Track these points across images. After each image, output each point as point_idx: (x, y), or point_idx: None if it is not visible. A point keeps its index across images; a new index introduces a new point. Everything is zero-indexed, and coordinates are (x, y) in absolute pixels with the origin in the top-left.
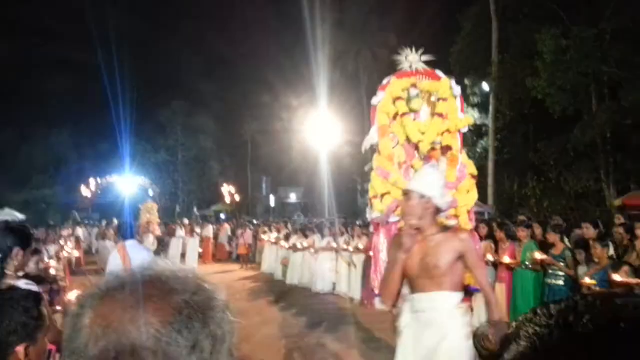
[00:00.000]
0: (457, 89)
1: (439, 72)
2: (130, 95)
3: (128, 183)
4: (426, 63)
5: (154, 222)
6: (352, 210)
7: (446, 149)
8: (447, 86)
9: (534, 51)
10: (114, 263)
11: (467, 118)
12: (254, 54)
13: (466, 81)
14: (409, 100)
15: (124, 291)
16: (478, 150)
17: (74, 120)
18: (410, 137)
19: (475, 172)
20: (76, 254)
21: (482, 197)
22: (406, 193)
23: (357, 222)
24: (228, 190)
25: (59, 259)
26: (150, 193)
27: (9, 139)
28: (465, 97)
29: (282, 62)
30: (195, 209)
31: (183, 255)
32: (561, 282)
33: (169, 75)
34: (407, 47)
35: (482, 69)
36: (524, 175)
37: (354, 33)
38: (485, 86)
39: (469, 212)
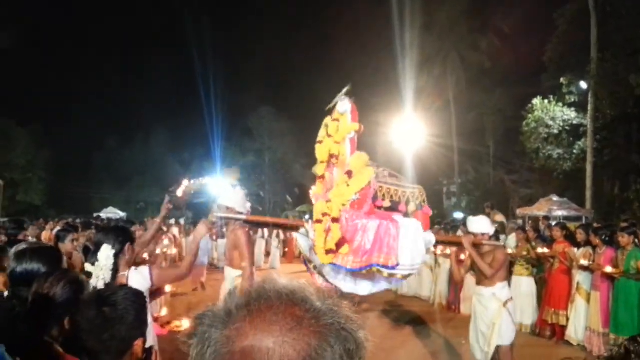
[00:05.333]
0: (346, 106)
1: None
2: (222, 102)
3: (219, 184)
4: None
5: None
6: (438, 211)
7: (335, 157)
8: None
9: (639, 47)
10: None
11: (354, 124)
12: (339, 58)
13: (562, 80)
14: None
15: (271, 310)
16: (575, 151)
17: (171, 126)
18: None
19: (355, 168)
20: (173, 251)
21: (580, 201)
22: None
23: (442, 224)
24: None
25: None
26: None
27: (113, 143)
28: (560, 96)
29: (368, 65)
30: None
31: (267, 254)
32: None
33: (257, 80)
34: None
35: (579, 67)
36: (625, 177)
37: (442, 36)
38: (583, 85)
39: (344, 204)
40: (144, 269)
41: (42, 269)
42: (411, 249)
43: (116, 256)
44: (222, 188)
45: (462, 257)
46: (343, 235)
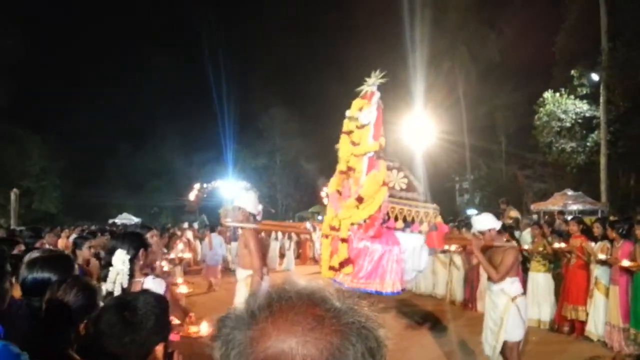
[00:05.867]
0: (371, 117)
1: (375, 97)
2: (233, 105)
3: (230, 187)
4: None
5: None
6: (450, 209)
7: (352, 170)
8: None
9: None
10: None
11: (374, 144)
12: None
13: (573, 72)
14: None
15: (292, 311)
16: (588, 144)
17: (183, 131)
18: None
19: (367, 194)
20: (188, 255)
21: (595, 195)
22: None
23: (456, 222)
24: (325, 192)
25: (173, 260)
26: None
27: (125, 149)
28: (571, 88)
29: (378, 63)
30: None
31: (282, 256)
32: None
33: (267, 82)
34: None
35: (590, 58)
36: None
37: (451, 31)
38: (595, 76)
39: (353, 224)
40: (162, 282)
41: (53, 278)
42: (412, 263)
43: (131, 261)
44: (236, 190)
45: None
46: (349, 256)
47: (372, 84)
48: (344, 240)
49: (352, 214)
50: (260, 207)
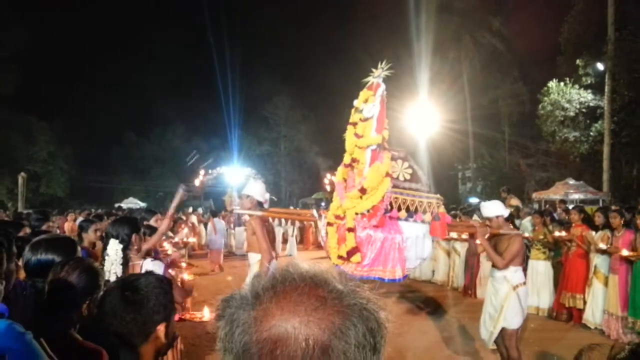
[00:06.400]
0: (374, 110)
1: (380, 90)
2: (239, 93)
3: (235, 174)
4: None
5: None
6: (453, 197)
7: (356, 161)
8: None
9: None
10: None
11: (377, 137)
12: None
13: (578, 61)
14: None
15: (296, 292)
16: (592, 133)
17: (188, 118)
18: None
19: (370, 186)
20: (192, 239)
21: (597, 184)
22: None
23: (458, 209)
24: (328, 179)
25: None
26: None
27: (132, 135)
28: (576, 78)
29: (383, 51)
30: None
31: (285, 241)
32: None
33: (272, 70)
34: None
35: (596, 47)
36: None
37: (456, 19)
38: (600, 66)
39: (357, 214)
40: (160, 265)
41: (56, 259)
42: (415, 251)
43: (125, 248)
44: (241, 177)
45: (478, 242)
46: (357, 245)
47: (377, 75)
48: (350, 229)
49: (356, 204)
50: (267, 195)
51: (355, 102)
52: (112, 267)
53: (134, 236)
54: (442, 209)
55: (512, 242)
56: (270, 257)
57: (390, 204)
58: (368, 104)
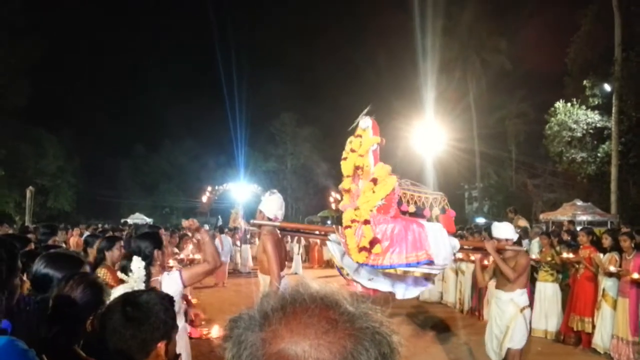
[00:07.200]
0: (368, 122)
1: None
2: (246, 110)
3: (242, 190)
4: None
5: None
6: (460, 216)
7: (360, 168)
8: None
9: None
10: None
11: (376, 137)
12: (361, 65)
13: (585, 82)
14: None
15: (306, 313)
16: (599, 154)
17: (195, 134)
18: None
19: (380, 175)
20: (198, 256)
21: (605, 205)
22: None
23: (465, 229)
24: (334, 197)
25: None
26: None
27: (139, 151)
28: (583, 98)
29: (390, 71)
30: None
31: (290, 260)
32: None
33: (280, 87)
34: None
35: (603, 68)
36: None
37: (463, 39)
38: (607, 87)
39: (372, 209)
40: (175, 273)
41: (61, 275)
42: (440, 249)
43: (148, 265)
44: (248, 193)
45: (486, 262)
46: (374, 236)
47: (362, 123)
48: (366, 221)
49: (370, 198)
50: (281, 212)
51: (344, 153)
52: (135, 285)
53: (156, 252)
54: (447, 204)
55: (519, 257)
56: (279, 278)
57: (400, 198)
58: (360, 127)
